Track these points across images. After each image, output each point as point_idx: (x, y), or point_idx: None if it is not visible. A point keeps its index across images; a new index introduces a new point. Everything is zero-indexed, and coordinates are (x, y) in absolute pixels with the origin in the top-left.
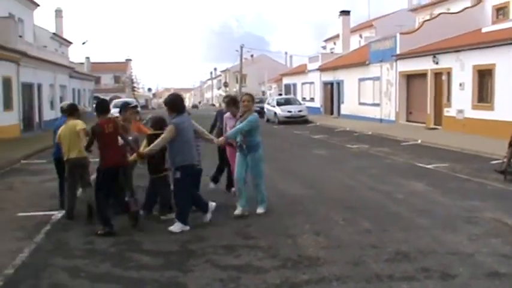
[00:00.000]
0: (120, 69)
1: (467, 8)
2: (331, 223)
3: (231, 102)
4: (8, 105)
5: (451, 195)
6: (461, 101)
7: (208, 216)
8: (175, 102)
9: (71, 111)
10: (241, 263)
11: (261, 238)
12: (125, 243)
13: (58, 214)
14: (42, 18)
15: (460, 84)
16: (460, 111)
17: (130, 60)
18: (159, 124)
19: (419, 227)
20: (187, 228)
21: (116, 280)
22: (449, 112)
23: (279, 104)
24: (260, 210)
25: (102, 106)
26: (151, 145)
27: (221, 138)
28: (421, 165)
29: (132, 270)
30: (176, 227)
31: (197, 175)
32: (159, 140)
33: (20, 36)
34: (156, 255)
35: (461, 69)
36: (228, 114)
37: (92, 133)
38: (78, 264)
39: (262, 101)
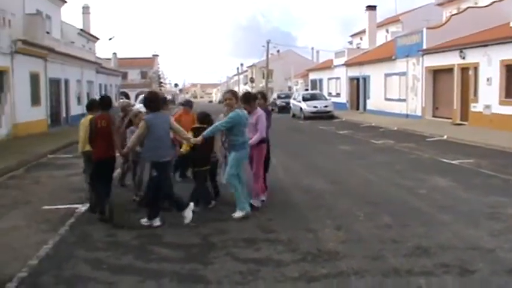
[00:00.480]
0: (147, 65)
1: (495, 1)
2: (352, 218)
3: (245, 98)
4: (35, 101)
5: (475, 191)
6: (488, 96)
7: (188, 216)
8: (148, 101)
9: (90, 106)
10: (261, 256)
11: (282, 232)
12: (147, 236)
13: (82, 207)
14: (70, 15)
15: (487, 79)
16: (487, 107)
17: (157, 55)
18: (206, 118)
19: (441, 223)
20: (192, 205)
21: (137, 272)
22: (476, 107)
23: (304, 99)
24: (235, 214)
25: (102, 102)
26: (129, 142)
27: (199, 137)
28: (446, 160)
29: (153, 263)
30: (187, 217)
31: (212, 167)
32: (133, 136)
33: (48, 33)
34: (177, 248)
35: (489, 64)
36: None
37: (89, 127)
38: (100, 256)
39: (288, 97)
